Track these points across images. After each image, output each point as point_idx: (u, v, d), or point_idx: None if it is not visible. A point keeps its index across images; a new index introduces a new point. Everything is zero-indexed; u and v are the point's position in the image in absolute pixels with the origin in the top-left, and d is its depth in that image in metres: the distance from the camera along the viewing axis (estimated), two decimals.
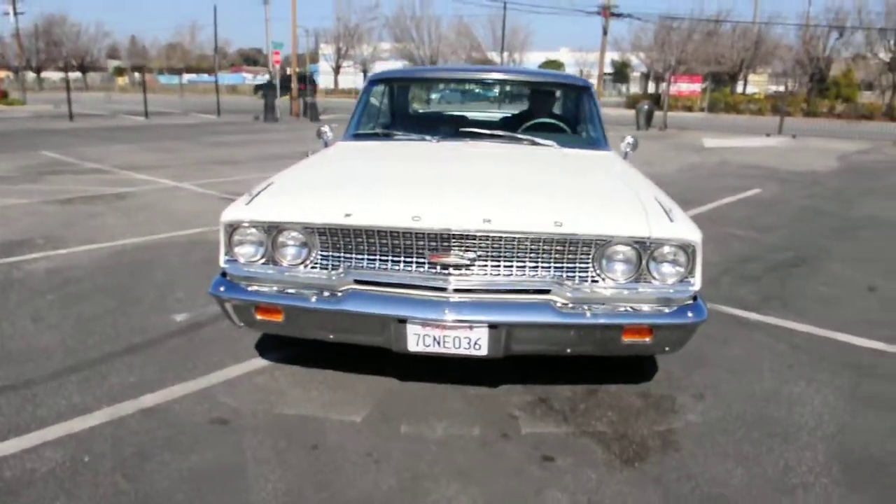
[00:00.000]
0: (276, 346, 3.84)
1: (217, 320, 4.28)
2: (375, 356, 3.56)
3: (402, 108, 5.44)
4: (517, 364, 3.46)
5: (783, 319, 4.60)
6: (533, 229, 2.90)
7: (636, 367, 3.72)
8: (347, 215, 2.94)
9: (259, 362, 3.68)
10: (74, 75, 39.20)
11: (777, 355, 4.01)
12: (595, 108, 4.86)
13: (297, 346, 3.80)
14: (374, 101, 5.09)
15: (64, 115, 23.62)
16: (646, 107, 25.26)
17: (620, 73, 54.28)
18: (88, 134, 18.21)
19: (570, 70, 45.29)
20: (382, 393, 3.37)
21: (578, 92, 5.07)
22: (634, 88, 55.04)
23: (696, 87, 46.77)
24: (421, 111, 5.83)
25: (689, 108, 40.98)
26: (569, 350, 3.03)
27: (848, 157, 17.01)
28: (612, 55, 48.59)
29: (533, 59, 54.84)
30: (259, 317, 3.11)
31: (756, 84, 51.46)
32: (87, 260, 5.63)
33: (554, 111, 5.31)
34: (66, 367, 3.57)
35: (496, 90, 6.08)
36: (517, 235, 2.90)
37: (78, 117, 23.52)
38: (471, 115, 5.38)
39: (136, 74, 65.32)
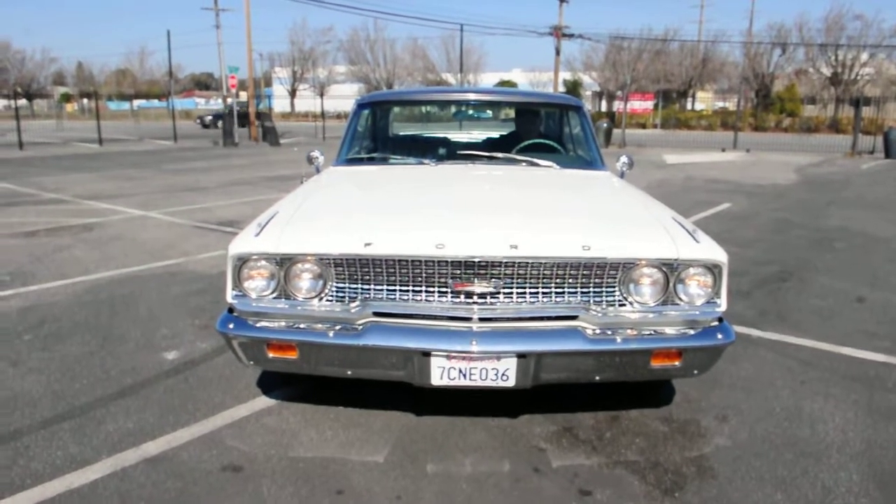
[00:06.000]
0: (280, 384, 3.65)
1: (211, 358, 4.08)
2: (385, 389, 3.41)
3: (392, 132, 5.33)
4: (531, 391, 3.34)
5: (784, 335, 4.60)
6: (561, 254, 2.80)
7: (652, 390, 3.65)
8: (367, 244, 2.80)
9: (264, 401, 3.49)
10: (20, 102, 38.06)
11: (787, 371, 3.99)
12: (589, 128, 4.82)
13: (301, 382, 3.63)
14: (362, 124, 4.96)
15: (13, 143, 22.83)
16: (605, 125, 25.71)
17: (573, 91, 55.15)
18: (42, 163, 17.62)
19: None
20: (400, 429, 3.21)
21: (572, 112, 5.03)
22: (587, 107, 56.02)
23: (649, 104, 47.85)
24: (411, 134, 5.72)
25: (643, 125, 41.88)
26: (597, 377, 2.94)
27: (804, 169, 17.50)
28: (564, 75, 49.37)
29: (487, 80, 55.39)
30: (271, 354, 2.93)
31: (702, 100, 52.90)
32: (62, 296, 5.33)
33: (543, 131, 5.25)
34: (57, 415, 3.32)
35: (488, 111, 5.99)
36: (544, 261, 2.81)
37: (28, 146, 22.75)
38: (460, 136, 5.30)
39: (85, 101, 63.92)
